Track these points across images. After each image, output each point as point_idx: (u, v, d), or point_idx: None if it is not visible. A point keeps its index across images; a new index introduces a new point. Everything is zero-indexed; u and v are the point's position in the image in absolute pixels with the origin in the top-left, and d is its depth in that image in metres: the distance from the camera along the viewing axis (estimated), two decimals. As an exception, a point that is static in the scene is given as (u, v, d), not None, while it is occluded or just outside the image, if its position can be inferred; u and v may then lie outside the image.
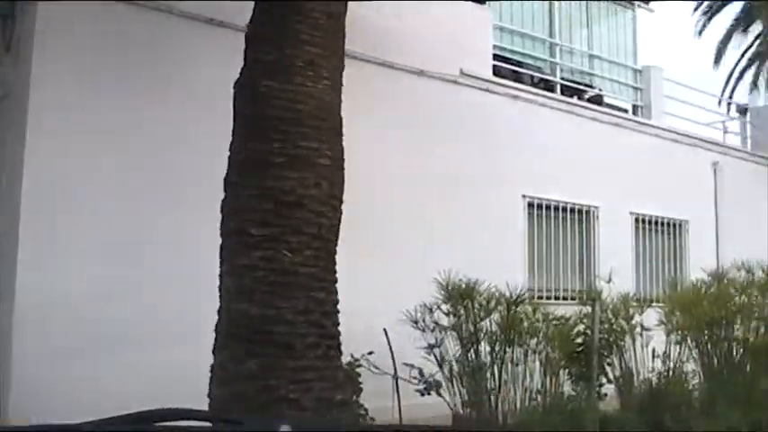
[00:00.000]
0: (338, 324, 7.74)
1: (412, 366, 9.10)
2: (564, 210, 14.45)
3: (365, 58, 11.84)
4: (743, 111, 21.52)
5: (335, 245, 7.84)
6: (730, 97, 22.01)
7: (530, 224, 13.85)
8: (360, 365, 8.86)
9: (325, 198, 7.73)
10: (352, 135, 11.24)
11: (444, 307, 10.19)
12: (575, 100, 15.38)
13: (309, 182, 7.59)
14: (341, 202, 7.96)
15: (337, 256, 7.81)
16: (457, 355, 10.19)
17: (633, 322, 11.23)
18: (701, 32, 22.80)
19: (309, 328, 7.44)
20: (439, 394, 9.09)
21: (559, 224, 14.41)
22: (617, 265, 13.52)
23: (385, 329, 9.32)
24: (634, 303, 11.49)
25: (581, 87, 16.13)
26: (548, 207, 14.15)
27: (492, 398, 10.08)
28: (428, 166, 12.37)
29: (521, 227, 13.64)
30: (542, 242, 14.09)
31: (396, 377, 8.93)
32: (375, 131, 11.76)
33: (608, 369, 11.25)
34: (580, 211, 14.72)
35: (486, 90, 13.53)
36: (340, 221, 7.86)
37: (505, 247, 13.21)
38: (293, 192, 7.50)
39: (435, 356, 10.10)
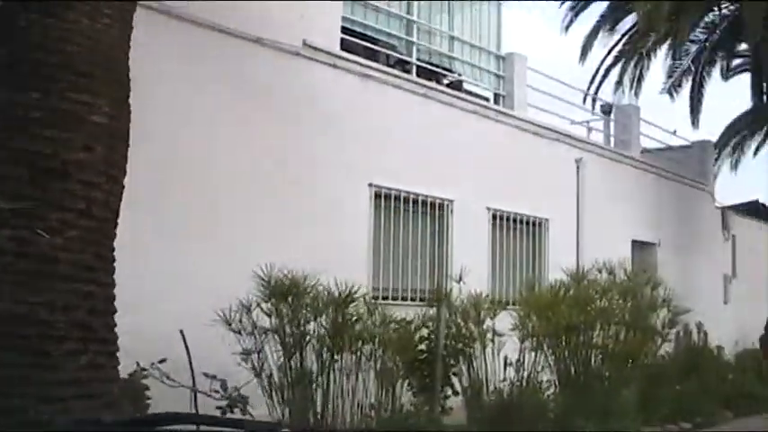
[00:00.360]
0: (113, 325, 6.19)
1: (214, 377, 7.56)
2: (415, 202, 13.14)
3: (192, 19, 10.24)
4: (607, 110, 20.81)
5: (114, 225, 6.28)
6: (596, 94, 21.30)
7: (376, 216, 12.47)
8: (146, 376, 7.26)
9: (99, 166, 6.13)
10: (169, 101, 9.76)
11: (265, 306, 8.71)
12: (432, 84, 14.07)
13: (77, 144, 6.01)
14: (123, 172, 6.38)
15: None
16: (279, 362, 8.75)
17: (484, 327, 10.06)
18: (567, 28, 22.11)
19: (71, 329, 5.87)
20: (244, 411, 7.57)
21: (410, 217, 13.09)
22: (472, 265, 12.45)
23: (182, 331, 7.75)
24: (486, 306, 10.30)
25: (440, 71, 14.87)
26: (397, 198, 12.81)
27: (318, 413, 8.67)
28: (260, 145, 10.83)
29: (366, 219, 12.25)
30: (390, 236, 12.74)
31: (194, 390, 7.38)
32: (199, 101, 10.18)
33: (454, 379, 10.06)
34: (433, 205, 13.44)
35: (333, 66, 12.08)
36: (121, 196, 6.29)
37: (348, 240, 11.79)
38: (55, 156, 5.92)
39: (253, 364, 8.63)
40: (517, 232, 15.16)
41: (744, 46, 24.82)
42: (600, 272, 11.84)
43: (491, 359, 10.14)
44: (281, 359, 8.73)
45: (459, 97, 14.34)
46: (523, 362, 10.27)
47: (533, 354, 10.44)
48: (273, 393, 8.65)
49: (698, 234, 21.47)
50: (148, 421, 3.21)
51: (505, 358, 10.09)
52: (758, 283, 21.32)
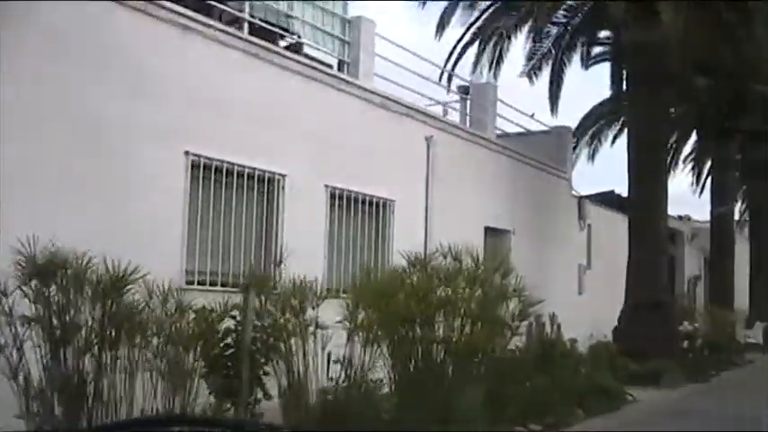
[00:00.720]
0: None
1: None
2: (241, 175, 11.53)
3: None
4: (465, 90, 19.71)
5: None
6: (452, 70, 20.17)
7: (193, 189, 10.77)
8: None
9: None
10: None
11: (28, 289, 7.02)
12: (267, 44, 12.43)
13: None
14: None
15: None
16: (46, 360, 7.08)
17: (306, 318, 8.59)
18: (425, 2, 20.91)
19: None
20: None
21: (234, 192, 11.47)
22: (307, 248, 11.15)
23: None
24: (313, 294, 8.85)
25: (276, 31, 13.25)
26: (219, 170, 11.16)
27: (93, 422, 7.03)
28: (45, 101, 9.02)
29: (180, 191, 10.56)
30: (209, 213, 11.08)
31: None
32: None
33: (267, 379, 8.55)
34: (261, 179, 11.86)
35: (145, 12, 10.32)
36: None
37: (158, 216, 10.08)
38: None
39: (9, 362, 6.93)
40: (359, 213, 13.74)
41: (605, 33, 24.37)
42: (445, 257, 10.56)
43: (315, 355, 8.71)
44: (47, 356, 7.06)
45: (296, 61, 12.80)
46: (352, 358, 8.88)
47: (365, 349, 9.07)
48: (31, 399, 6.97)
49: (554, 222, 20.70)
50: (146, 422, 3.08)
51: (329, 354, 8.68)
52: (612, 274, 20.63)
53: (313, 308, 8.57)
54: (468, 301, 10.21)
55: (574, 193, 22.69)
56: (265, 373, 8.38)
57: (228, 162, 11.24)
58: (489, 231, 17.30)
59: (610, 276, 21.06)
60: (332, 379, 8.88)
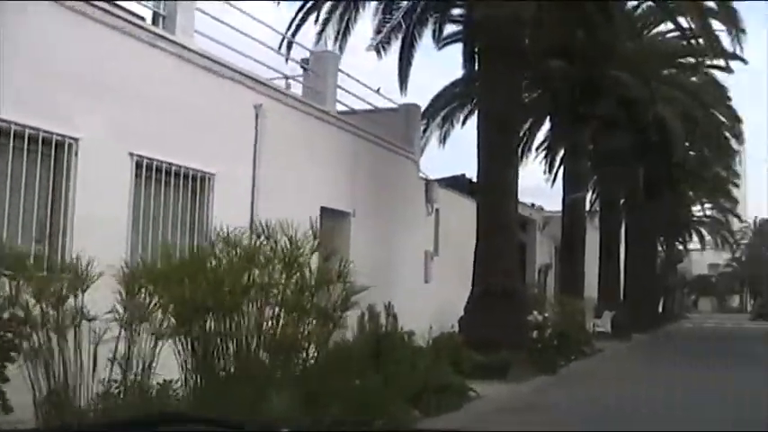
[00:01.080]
0: None
1: None
2: (21, 137, 9.68)
3: None
4: (307, 61, 18.25)
5: None
6: (293, 37, 18.68)
7: (-47, 152, 8.98)
8: None
9: None
10: None
11: None
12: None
13: None
14: None
15: None
16: None
17: (68, 307, 6.98)
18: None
19: None
20: None
21: (11, 157, 9.61)
22: (106, 224, 9.52)
23: None
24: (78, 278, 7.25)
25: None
26: (-8, 130, 9.35)
27: None
28: None
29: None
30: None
31: None
32: None
33: (11, 387, 6.90)
34: (48, 142, 10.04)
35: None
36: None
37: None
38: None
39: None
40: (172, 188, 12.05)
41: (457, 11, 23.45)
42: (259, 237, 9.12)
43: (81, 353, 7.13)
44: None
45: (99, 8, 10.97)
46: (130, 356, 7.34)
47: (148, 344, 7.55)
48: None
49: (399, 206, 19.44)
50: (146, 422, 2.65)
51: (95, 352, 7.09)
52: (462, 261, 19.49)
53: (75, 295, 6.96)
54: (283, 286, 8.85)
55: (422, 175, 21.48)
56: (4, 380, 6.71)
57: (2, 120, 9.40)
58: (326, 212, 15.84)
59: (459, 264, 19.92)
60: (108, 381, 7.31)
